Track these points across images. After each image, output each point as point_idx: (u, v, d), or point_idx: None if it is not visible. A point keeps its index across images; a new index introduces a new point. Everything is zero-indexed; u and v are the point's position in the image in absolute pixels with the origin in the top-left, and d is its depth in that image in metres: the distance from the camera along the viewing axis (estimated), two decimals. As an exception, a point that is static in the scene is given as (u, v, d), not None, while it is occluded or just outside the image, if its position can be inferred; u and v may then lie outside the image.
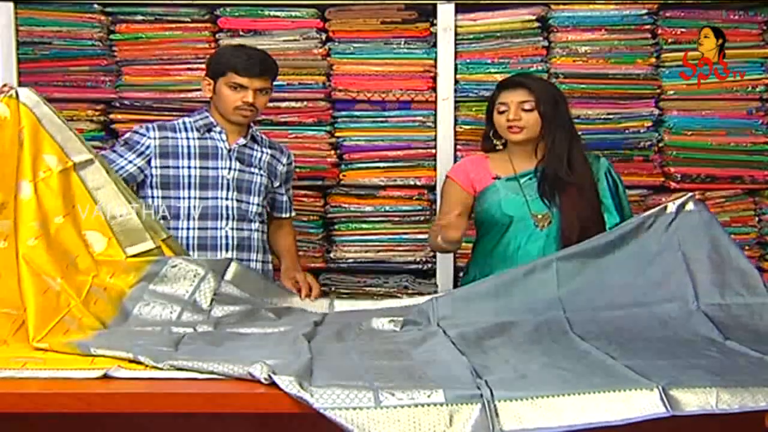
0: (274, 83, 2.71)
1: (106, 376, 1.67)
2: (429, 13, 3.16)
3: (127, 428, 1.79)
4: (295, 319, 2.21)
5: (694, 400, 1.51)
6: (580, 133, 2.64)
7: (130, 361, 1.74)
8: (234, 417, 1.70)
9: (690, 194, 2.18)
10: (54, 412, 1.65)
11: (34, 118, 2.14)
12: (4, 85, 2.22)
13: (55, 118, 2.20)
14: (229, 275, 2.34)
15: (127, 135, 2.68)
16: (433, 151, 3.20)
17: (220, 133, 2.66)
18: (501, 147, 2.64)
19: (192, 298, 2.21)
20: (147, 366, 1.72)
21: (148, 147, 2.60)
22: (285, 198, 2.83)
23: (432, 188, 3.21)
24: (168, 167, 2.61)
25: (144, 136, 2.63)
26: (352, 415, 1.48)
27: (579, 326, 2.00)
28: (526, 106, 2.53)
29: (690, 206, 2.14)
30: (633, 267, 2.10)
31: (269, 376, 1.58)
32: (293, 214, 2.90)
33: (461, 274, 2.92)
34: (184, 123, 2.69)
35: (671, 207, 2.16)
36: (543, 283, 2.13)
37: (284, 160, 2.80)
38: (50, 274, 2.01)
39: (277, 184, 2.78)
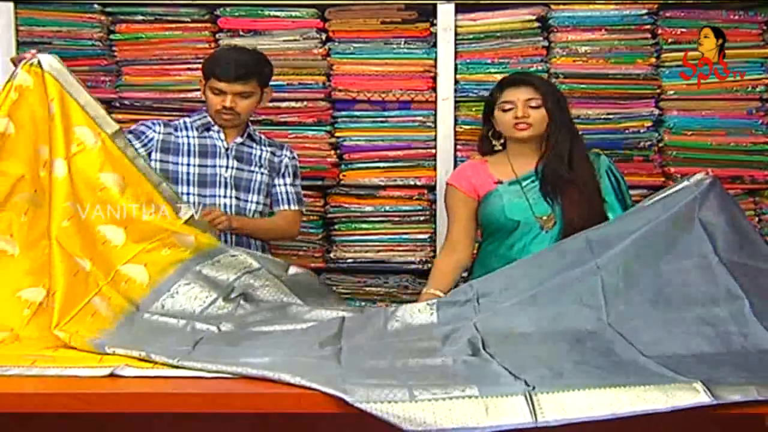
0: (275, 83, 2.71)
1: (112, 375, 1.68)
2: (429, 13, 3.16)
3: (127, 428, 1.79)
4: (321, 315, 2.16)
5: (734, 391, 1.52)
6: (580, 132, 2.63)
7: (140, 359, 1.74)
8: (234, 417, 1.70)
9: (703, 174, 2.16)
10: (54, 412, 1.65)
11: (60, 87, 2.07)
12: (27, 51, 2.16)
13: (80, 87, 2.14)
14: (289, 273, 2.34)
15: (134, 126, 2.71)
16: (433, 151, 3.20)
17: (218, 132, 2.68)
18: (500, 148, 2.64)
19: (230, 287, 2.19)
20: (156, 363, 1.72)
21: (150, 140, 2.64)
22: (282, 189, 2.77)
23: (432, 188, 3.21)
24: (168, 162, 2.64)
25: (150, 129, 2.67)
26: (387, 408, 1.49)
27: (608, 277, 1.99)
28: (533, 103, 2.51)
29: (706, 181, 2.12)
30: (652, 229, 2.09)
31: (297, 380, 1.59)
32: (295, 207, 2.79)
33: (464, 274, 2.92)
34: (184, 122, 2.73)
35: (687, 182, 2.15)
36: (573, 241, 2.17)
37: (287, 153, 2.80)
38: (80, 255, 1.99)
39: (280, 179, 2.77)
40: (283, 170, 2.79)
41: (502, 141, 2.62)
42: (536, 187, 2.55)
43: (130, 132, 2.65)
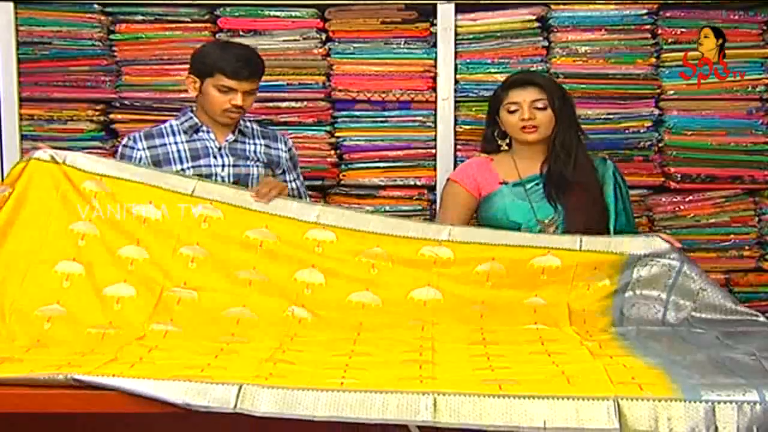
0: (275, 83, 2.70)
1: None
2: (429, 13, 3.16)
3: (127, 428, 1.79)
4: None
5: None
6: (583, 133, 2.63)
7: None
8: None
9: None
10: (54, 412, 1.65)
11: None
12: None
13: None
14: None
15: (119, 153, 2.67)
16: (433, 151, 3.20)
17: (207, 132, 2.65)
18: (506, 148, 2.62)
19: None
20: None
21: (140, 159, 2.59)
22: (293, 185, 2.76)
23: (432, 188, 3.21)
24: None
25: (133, 149, 2.62)
26: None
27: None
28: (539, 105, 2.50)
29: None
30: None
31: None
32: (308, 201, 2.80)
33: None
34: (171, 126, 2.68)
35: None
36: None
37: (282, 147, 2.77)
38: None
39: (279, 171, 2.75)
40: (283, 166, 2.77)
41: (507, 141, 2.60)
42: (540, 190, 2.53)
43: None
